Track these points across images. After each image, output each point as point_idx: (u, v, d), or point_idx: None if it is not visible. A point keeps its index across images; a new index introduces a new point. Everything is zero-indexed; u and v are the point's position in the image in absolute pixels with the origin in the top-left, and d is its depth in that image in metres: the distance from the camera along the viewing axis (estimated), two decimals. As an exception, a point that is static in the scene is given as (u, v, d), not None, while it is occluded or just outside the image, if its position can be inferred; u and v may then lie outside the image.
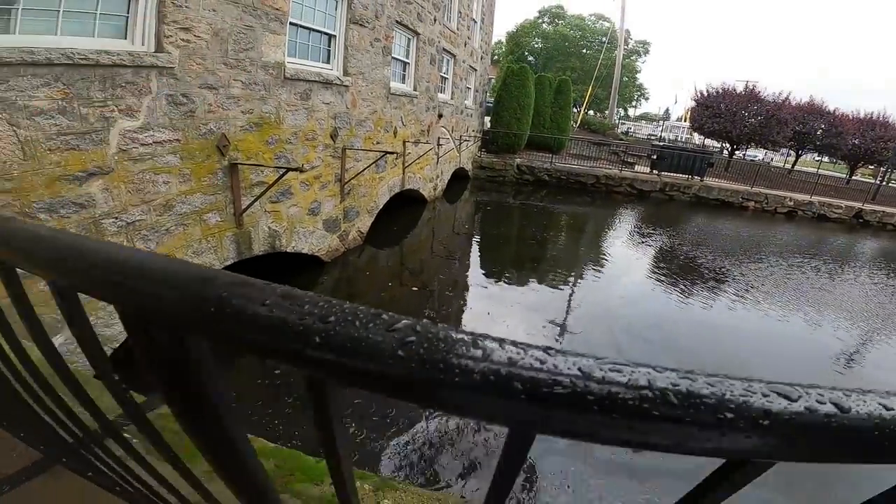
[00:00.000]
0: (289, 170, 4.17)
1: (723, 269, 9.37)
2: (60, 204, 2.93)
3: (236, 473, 0.48)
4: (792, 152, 27.81)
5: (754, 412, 0.22)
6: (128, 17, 3.37)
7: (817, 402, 0.22)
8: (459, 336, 0.25)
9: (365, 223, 7.60)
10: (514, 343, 0.25)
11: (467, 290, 6.89)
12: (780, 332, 6.58)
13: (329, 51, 5.99)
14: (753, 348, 5.82)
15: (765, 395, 0.22)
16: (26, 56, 2.67)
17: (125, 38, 3.37)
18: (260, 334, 0.26)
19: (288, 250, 5.37)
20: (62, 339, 2.65)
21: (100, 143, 3.05)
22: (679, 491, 0.32)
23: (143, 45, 3.42)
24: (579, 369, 0.23)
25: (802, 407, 0.22)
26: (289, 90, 5.05)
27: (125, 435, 0.97)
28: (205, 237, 4.07)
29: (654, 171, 19.35)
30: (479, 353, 0.24)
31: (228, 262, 4.35)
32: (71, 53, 2.85)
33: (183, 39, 3.66)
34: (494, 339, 0.25)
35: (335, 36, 6.00)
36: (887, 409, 0.22)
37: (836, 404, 0.22)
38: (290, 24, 5.07)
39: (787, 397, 0.22)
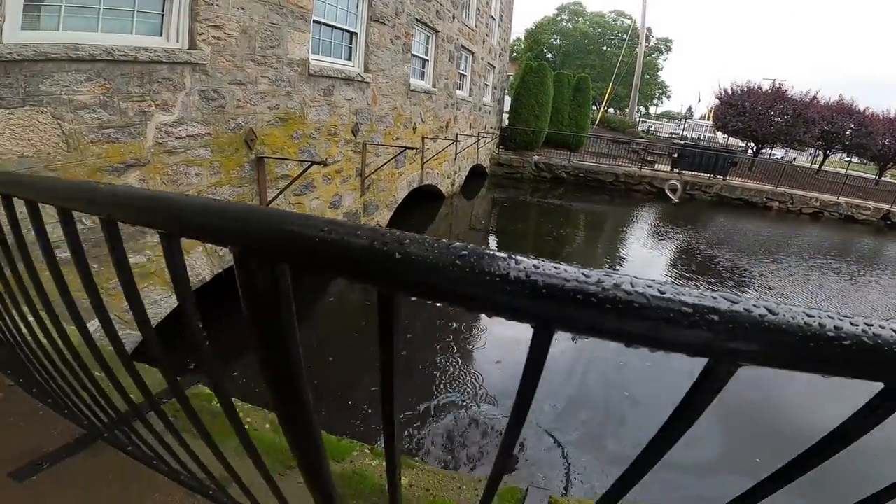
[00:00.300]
0: (313, 163, 4.30)
1: (741, 269, 9.24)
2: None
3: (297, 410, 0.56)
4: (819, 152, 27.03)
5: (706, 310, 0.29)
6: (163, 16, 3.54)
7: (753, 305, 0.29)
8: (500, 254, 0.33)
9: (384, 217, 7.72)
10: (540, 259, 0.32)
11: None
12: None
13: (350, 48, 6.11)
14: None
15: (713, 299, 0.29)
16: (71, 52, 2.83)
17: (161, 36, 3.53)
18: (353, 256, 0.34)
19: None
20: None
21: (137, 137, 3.22)
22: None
23: (177, 42, 3.58)
24: (582, 274, 0.31)
25: (742, 308, 0.29)
26: (312, 86, 5.18)
27: (163, 412, 1.07)
28: (232, 227, 4.24)
29: (675, 170, 19.08)
30: (513, 263, 0.32)
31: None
32: (112, 50, 3.01)
33: (214, 37, 3.81)
34: (525, 257, 0.33)
35: (356, 33, 6.12)
36: (809, 316, 0.29)
37: (768, 309, 0.29)
38: (314, 21, 5.20)
39: (730, 301, 0.29)
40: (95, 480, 1.43)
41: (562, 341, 5.21)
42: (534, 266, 0.31)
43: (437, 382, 4.22)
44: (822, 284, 9.04)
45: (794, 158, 28.12)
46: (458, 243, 0.34)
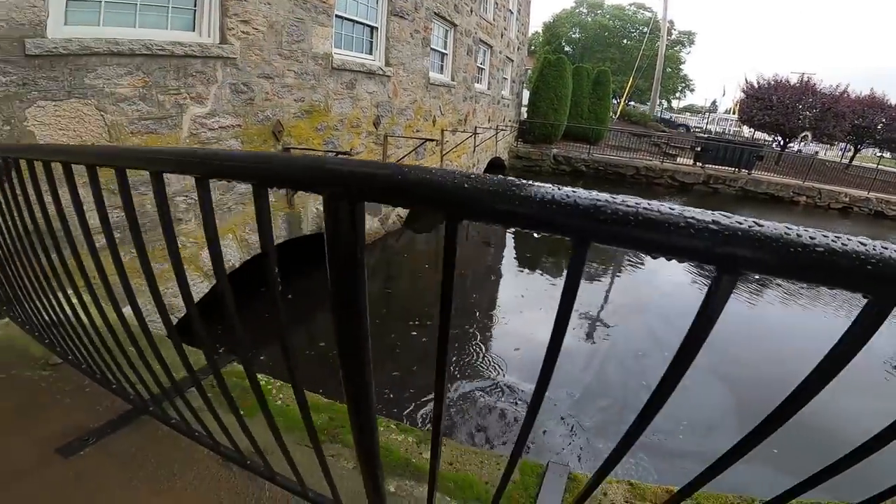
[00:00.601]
0: (338, 153, 4.42)
1: None
2: (140, 182, 3.27)
3: (357, 353, 0.64)
4: (850, 146, 26.15)
5: (705, 224, 0.37)
6: (195, 11, 3.68)
7: (744, 218, 0.37)
8: (562, 189, 0.41)
9: (404, 209, 7.84)
10: (586, 191, 0.40)
11: (501, 275, 7.03)
12: (818, 327, 6.37)
13: (371, 42, 6.21)
14: (788, 343, 5.68)
15: (714, 220, 0.37)
16: (112, 46, 2.99)
17: (194, 31, 3.68)
18: (426, 192, 0.43)
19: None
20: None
21: (174, 128, 3.37)
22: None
23: (209, 36, 3.72)
24: (610, 198, 0.38)
25: (734, 221, 0.37)
26: (336, 80, 5.30)
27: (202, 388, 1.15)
28: (260, 216, 4.39)
29: (698, 163, 18.73)
30: (571, 191, 0.39)
31: (280, 241, 4.67)
32: (150, 44, 3.16)
33: (243, 31, 3.95)
34: (582, 190, 0.40)
35: (377, 28, 6.21)
36: (788, 228, 0.37)
37: (755, 222, 0.37)
38: (336, 16, 5.31)
39: (725, 215, 0.37)
40: (139, 455, 1.50)
41: (577, 334, 5.24)
42: (572, 191, 0.39)
43: (461, 367, 4.32)
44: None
45: (816, 153, 27.27)
46: (516, 180, 0.41)
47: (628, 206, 0.38)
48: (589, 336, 5.27)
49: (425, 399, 3.83)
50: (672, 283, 7.50)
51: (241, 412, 1.23)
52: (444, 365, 0.61)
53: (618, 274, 7.87)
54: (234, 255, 4.14)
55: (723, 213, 0.37)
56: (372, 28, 6.15)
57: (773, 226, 0.37)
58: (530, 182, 0.41)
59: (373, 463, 0.83)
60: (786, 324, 6.49)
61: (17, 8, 2.49)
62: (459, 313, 5.42)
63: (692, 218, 0.37)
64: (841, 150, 30.90)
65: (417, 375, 4.07)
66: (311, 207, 5.20)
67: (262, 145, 4.27)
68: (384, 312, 5.23)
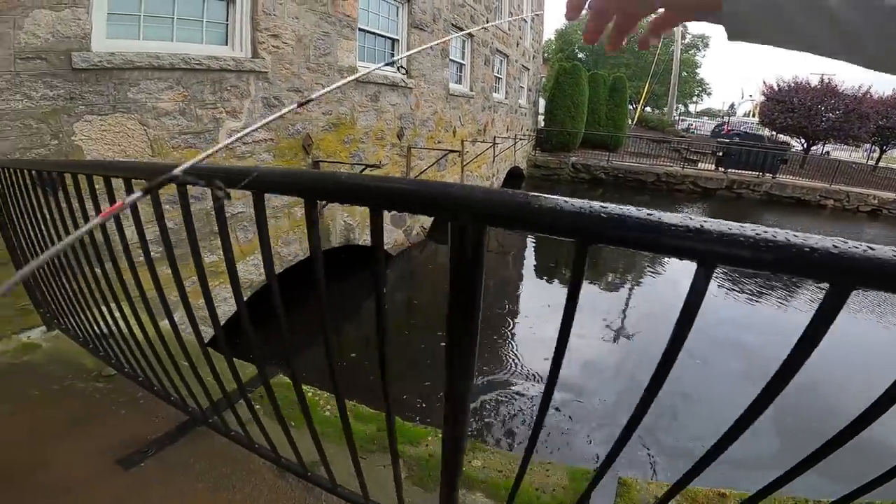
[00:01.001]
0: (367, 166, 4.46)
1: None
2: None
3: (465, 373, 0.66)
4: (875, 148, 25.43)
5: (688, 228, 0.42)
6: (227, 24, 3.76)
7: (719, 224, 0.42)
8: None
9: (427, 221, 7.85)
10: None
11: (523, 285, 6.98)
12: (851, 337, 6.14)
13: (392, 55, 6.28)
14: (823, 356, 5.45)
15: (691, 219, 0.42)
16: (153, 60, 3.06)
17: (226, 45, 3.77)
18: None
19: (360, 243, 5.68)
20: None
21: (212, 142, 3.44)
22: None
23: (241, 51, 3.81)
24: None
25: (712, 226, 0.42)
26: (360, 93, 5.36)
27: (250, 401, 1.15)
28: (292, 228, 4.43)
29: (720, 168, 18.41)
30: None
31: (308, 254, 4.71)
32: (188, 58, 3.24)
33: (273, 46, 4.02)
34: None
35: (398, 40, 6.29)
36: (754, 230, 0.42)
37: (728, 227, 0.42)
38: (360, 29, 5.39)
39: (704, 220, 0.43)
40: (197, 466, 1.50)
41: (601, 341, 5.12)
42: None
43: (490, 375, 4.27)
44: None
45: (828, 153, 26.57)
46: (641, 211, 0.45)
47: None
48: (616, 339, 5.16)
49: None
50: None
51: (291, 424, 1.23)
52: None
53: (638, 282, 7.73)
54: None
55: (705, 219, 0.43)
56: (393, 40, 6.23)
57: (741, 229, 0.42)
58: (659, 213, 0.44)
59: (454, 473, 0.87)
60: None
61: (63, 21, 2.54)
62: (486, 322, 5.36)
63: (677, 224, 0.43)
64: (866, 151, 30.08)
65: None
66: (339, 220, 5.24)
67: (293, 158, 4.33)
68: (412, 323, 5.21)
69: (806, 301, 7.38)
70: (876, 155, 25.43)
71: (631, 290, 7.41)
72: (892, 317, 6.98)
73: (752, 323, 6.23)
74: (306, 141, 4.45)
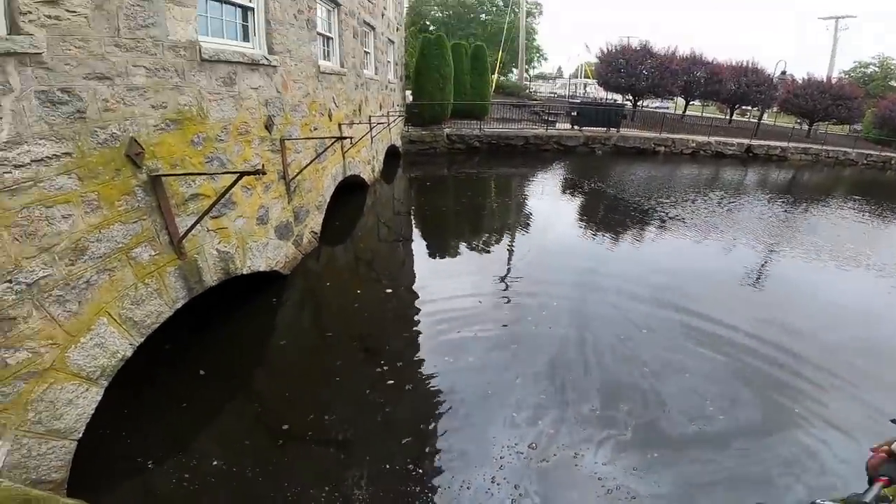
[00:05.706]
0: (243, 174, 3.23)
1: (643, 206, 10.90)
2: None
3: None
4: (682, 99, 30.35)
5: None
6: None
7: None
8: None
9: (316, 221, 6.66)
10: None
11: (417, 263, 7.04)
12: (693, 251, 8.05)
13: (246, 26, 4.88)
14: (674, 266, 7.03)
15: None
16: None
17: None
18: None
19: (244, 272, 4.40)
20: None
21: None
22: None
23: (-8, 23, 2.30)
24: None
25: None
26: (208, 75, 3.98)
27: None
28: (141, 280, 3.07)
29: (576, 127, 20.03)
30: None
31: (179, 304, 3.37)
32: None
33: (49, 15, 2.55)
34: None
35: (252, 8, 4.89)
36: None
37: None
38: (195, -7, 3.94)
39: None
40: None
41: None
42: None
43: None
44: (711, 210, 11.13)
45: (645, 105, 31.63)
46: None
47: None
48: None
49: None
50: (567, 231, 7.63)
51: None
52: None
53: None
54: (118, 343, 2.83)
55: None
56: (245, 8, 4.80)
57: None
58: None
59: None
60: None
61: None
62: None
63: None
64: (673, 103, 35.86)
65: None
66: (208, 249, 3.90)
67: (114, 178, 2.92)
68: (333, 355, 4.22)
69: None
70: (683, 105, 30.43)
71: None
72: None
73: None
74: (132, 149, 3.05)
